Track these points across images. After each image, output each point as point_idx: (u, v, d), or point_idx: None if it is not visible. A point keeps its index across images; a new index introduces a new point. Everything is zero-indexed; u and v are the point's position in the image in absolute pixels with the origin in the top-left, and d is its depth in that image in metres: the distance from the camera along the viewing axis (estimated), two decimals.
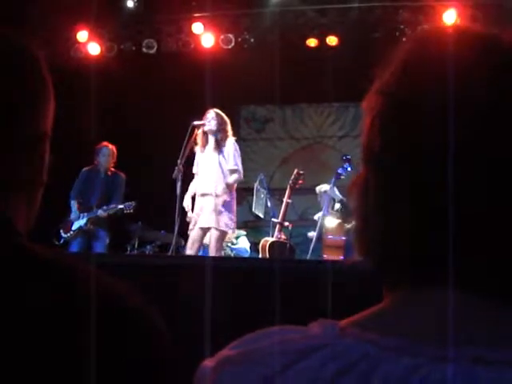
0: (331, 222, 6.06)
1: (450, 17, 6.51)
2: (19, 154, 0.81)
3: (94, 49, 7.45)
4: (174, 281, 3.23)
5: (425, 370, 0.57)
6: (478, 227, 0.59)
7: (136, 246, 7.00)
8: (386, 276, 0.66)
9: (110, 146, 6.38)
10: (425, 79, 0.63)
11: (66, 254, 5.41)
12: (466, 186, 0.59)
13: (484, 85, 0.60)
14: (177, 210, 5.53)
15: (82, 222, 6.30)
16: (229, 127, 5.68)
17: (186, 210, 5.63)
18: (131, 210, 6.23)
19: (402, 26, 6.78)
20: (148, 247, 7.03)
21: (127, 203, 6.22)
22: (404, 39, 6.64)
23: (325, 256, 5.84)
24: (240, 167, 5.64)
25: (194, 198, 5.73)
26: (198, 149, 5.69)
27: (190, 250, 5.57)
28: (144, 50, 7.45)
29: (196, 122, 5.62)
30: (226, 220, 5.54)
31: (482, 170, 0.59)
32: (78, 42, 7.42)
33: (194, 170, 5.72)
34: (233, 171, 5.60)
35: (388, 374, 0.57)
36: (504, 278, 0.60)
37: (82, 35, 7.36)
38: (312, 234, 6.21)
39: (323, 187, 6.38)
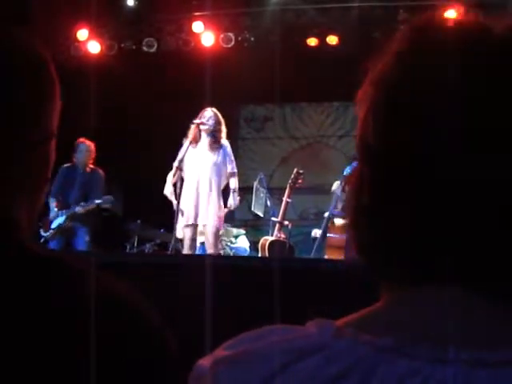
0: (336, 220, 6.05)
1: (449, 17, 6.50)
2: (23, 154, 0.81)
3: (94, 47, 7.44)
4: (173, 279, 3.23)
5: (423, 372, 0.56)
6: (478, 225, 0.58)
7: (135, 244, 7.00)
8: (383, 275, 0.65)
9: (88, 142, 6.26)
10: (419, 67, 0.61)
11: (66, 253, 5.40)
12: (467, 180, 0.58)
13: (481, 72, 0.59)
14: (176, 209, 5.54)
15: (60, 219, 6.19)
16: (223, 127, 5.72)
17: (169, 198, 5.62)
18: (109, 205, 6.15)
19: (402, 26, 6.77)
20: (147, 246, 7.03)
21: (105, 197, 6.11)
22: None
23: (326, 255, 5.82)
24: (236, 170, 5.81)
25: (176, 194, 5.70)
26: (186, 143, 5.65)
27: (190, 248, 5.60)
28: (144, 48, 7.45)
29: (196, 121, 5.63)
30: (220, 217, 5.65)
31: (483, 161, 0.58)
32: (78, 41, 7.42)
33: (177, 164, 5.64)
34: (232, 174, 5.73)
35: (386, 376, 0.56)
36: (504, 278, 0.59)
37: (83, 34, 7.36)
38: (315, 233, 6.19)
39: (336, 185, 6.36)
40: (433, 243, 0.59)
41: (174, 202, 5.58)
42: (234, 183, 5.75)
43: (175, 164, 5.68)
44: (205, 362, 0.63)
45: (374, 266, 0.65)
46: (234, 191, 5.74)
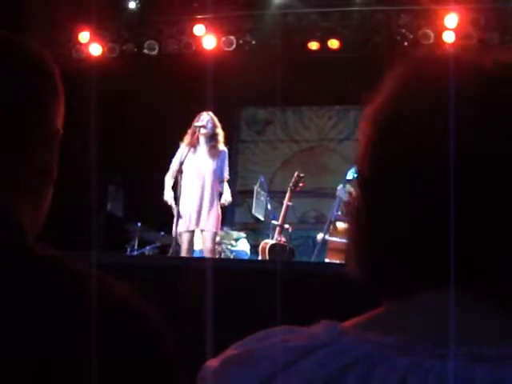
0: (339, 224, 6.05)
1: (451, 21, 6.51)
2: (28, 153, 0.82)
3: (96, 50, 7.45)
4: (173, 282, 3.23)
5: (424, 366, 0.58)
6: (476, 229, 0.60)
7: (136, 246, 7.00)
8: (386, 280, 0.67)
9: None
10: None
11: (68, 254, 5.38)
12: (460, 196, 0.60)
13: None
14: (177, 213, 5.53)
15: None
16: (221, 131, 5.74)
17: (169, 203, 5.60)
18: None
19: (403, 30, 6.78)
20: (147, 248, 7.03)
21: None
22: (406, 43, 6.68)
23: (327, 259, 5.83)
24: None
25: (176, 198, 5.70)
26: (185, 147, 5.63)
27: (187, 252, 5.60)
28: (145, 51, 7.45)
29: (197, 124, 5.63)
30: (219, 221, 5.70)
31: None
32: (80, 43, 7.42)
33: (177, 167, 5.61)
34: (223, 181, 5.78)
35: (388, 372, 0.58)
36: (502, 279, 0.61)
37: (84, 36, 7.36)
38: (320, 237, 6.19)
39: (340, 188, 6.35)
40: (432, 248, 0.62)
41: (174, 207, 5.58)
42: (225, 187, 5.83)
43: (174, 167, 5.67)
44: (212, 362, 0.64)
45: (374, 273, 0.67)
46: (227, 188, 5.82)
